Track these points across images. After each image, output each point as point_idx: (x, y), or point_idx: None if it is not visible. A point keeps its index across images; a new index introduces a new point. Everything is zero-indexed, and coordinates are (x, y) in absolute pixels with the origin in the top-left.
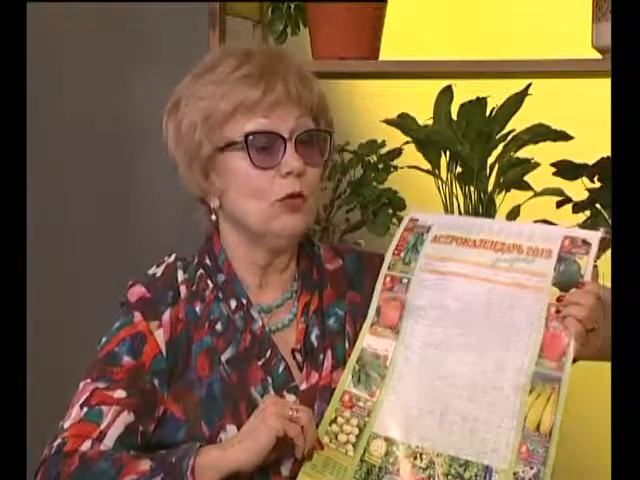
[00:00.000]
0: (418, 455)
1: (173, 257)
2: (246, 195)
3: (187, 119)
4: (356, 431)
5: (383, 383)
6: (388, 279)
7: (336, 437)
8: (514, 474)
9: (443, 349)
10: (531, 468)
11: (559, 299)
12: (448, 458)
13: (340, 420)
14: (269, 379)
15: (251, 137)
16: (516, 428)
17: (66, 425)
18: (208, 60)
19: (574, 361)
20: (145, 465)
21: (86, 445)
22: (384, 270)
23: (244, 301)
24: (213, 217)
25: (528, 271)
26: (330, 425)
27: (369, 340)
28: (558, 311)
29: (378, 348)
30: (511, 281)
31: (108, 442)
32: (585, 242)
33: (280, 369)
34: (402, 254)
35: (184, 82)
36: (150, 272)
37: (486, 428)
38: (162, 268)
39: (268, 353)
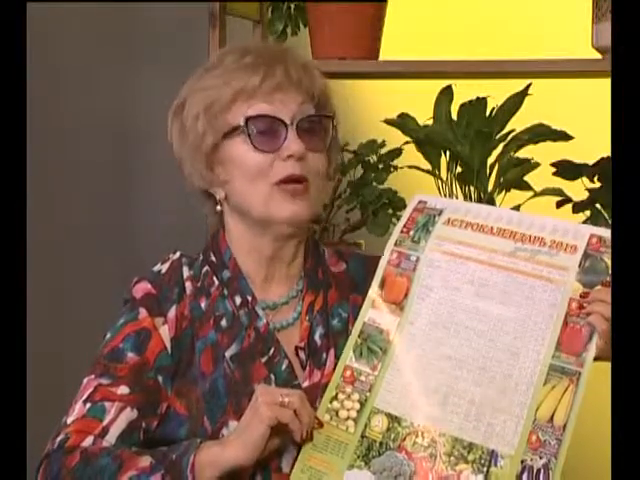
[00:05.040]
0: (420, 433)
1: (178, 254)
2: (247, 180)
3: (191, 112)
4: (357, 406)
5: (385, 357)
6: (395, 255)
7: (337, 414)
8: (521, 461)
9: (451, 330)
10: (540, 458)
11: (583, 295)
12: (451, 439)
13: (341, 396)
14: (272, 376)
15: (252, 121)
16: (525, 416)
17: (69, 421)
18: (211, 61)
19: (598, 359)
20: (145, 461)
21: (88, 441)
22: (390, 246)
23: (249, 298)
24: (218, 207)
25: (550, 264)
26: (331, 402)
27: (372, 314)
28: (580, 307)
29: (381, 323)
30: (531, 272)
31: (110, 438)
32: None
33: (283, 367)
34: (411, 232)
35: (188, 83)
36: (155, 269)
37: (493, 414)
38: (167, 265)
39: (271, 351)
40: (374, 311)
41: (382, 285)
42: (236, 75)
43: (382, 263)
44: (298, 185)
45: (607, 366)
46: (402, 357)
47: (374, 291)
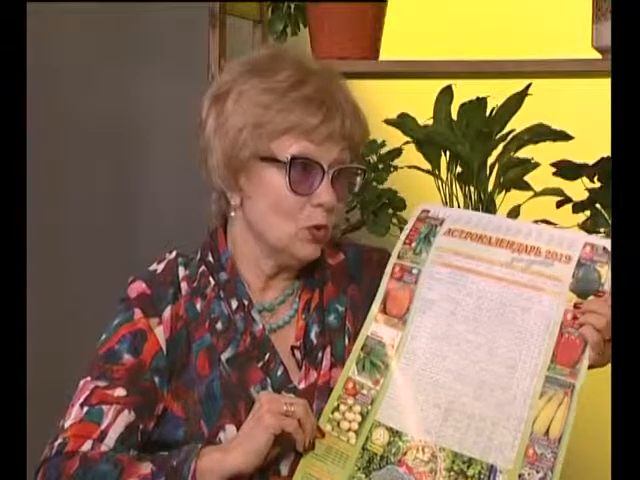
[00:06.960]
0: (420, 448)
1: (174, 253)
2: (274, 212)
3: (236, 117)
4: (359, 418)
5: (387, 372)
6: (397, 268)
7: (338, 425)
8: (519, 476)
9: (451, 344)
10: (537, 472)
11: (576, 306)
12: (451, 454)
13: (343, 407)
14: (268, 380)
15: (295, 160)
16: (523, 430)
17: (67, 425)
18: (263, 58)
19: (590, 368)
20: (146, 468)
21: (87, 445)
22: (393, 258)
23: (245, 302)
24: (233, 214)
25: (545, 274)
26: (332, 413)
27: (374, 328)
28: (575, 317)
29: (384, 337)
30: (527, 282)
31: (109, 442)
32: (607, 250)
33: (279, 372)
34: (413, 244)
35: (235, 72)
36: (151, 268)
37: (492, 428)
38: (163, 264)
39: (267, 356)
40: (377, 325)
41: (385, 299)
42: (295, 107)
43: (385, 277)
44: (320, 232)
45: (607, 374)
46: (404, 372)
47: (377, 305)
